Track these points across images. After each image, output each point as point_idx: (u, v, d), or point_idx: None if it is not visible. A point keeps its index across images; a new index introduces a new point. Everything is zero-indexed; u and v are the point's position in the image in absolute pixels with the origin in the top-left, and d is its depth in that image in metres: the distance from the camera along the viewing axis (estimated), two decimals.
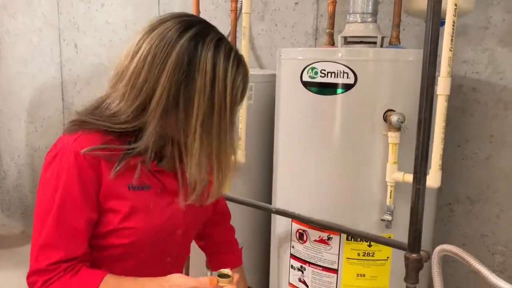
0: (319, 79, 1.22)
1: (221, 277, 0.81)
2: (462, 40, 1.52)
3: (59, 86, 2.95)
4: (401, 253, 1.23)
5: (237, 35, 1.79)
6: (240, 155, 1.51)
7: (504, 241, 1.55)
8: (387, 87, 1.20)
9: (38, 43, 2.97)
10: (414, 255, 0.97)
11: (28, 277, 0.83)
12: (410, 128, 1.14)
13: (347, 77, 1.18)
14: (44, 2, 2.86)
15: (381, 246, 1.27)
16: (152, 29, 0.82)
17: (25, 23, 3.01)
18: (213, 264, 1.21)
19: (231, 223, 1.23)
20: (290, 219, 1.37)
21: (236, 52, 0.85)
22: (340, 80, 1.20)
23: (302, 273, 1.36)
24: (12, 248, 2.97)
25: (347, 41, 1.34)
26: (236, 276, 0.84)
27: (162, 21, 0.83)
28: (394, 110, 1.18)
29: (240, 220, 1.69)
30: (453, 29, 1.02)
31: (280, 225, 1.46)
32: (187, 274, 1.56)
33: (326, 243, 1.30)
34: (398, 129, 1.15)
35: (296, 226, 1.37)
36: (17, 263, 2.56)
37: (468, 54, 1.53)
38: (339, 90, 1.20)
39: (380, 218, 1.24)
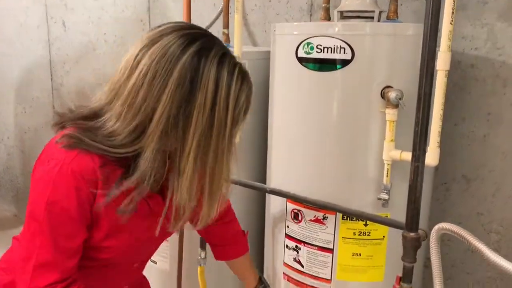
0: (315, 55, 1.18)
1: None
2: (461, 15, 1.49)
3: (47, 65, 2.88)
4: (398, 232, 1.22)
5: (229, 11, 1.73)
6: None
7: (499, 219, 1.54)
8: (385, 62, 1.16)
9: (25, 21, 2.89)
10: (412, 234, 0.95)
11: None
12: (408, 105, 1.11)
13: (344, 53, 1.14)
14: None
15: (377, 225, 1.25)
16: (152, 42, 0.76)
17: (11, 1, 2.91)
18: (218, 255, 1.21)
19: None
20: (285, 199, 1.35)
21: (241, 68, 0.80)
22: (336, 56, 1.16)
23: (297, 252, 1.34)
24: (5, 231, 2.95)
25: (344, 16, 1.30)
26: None
27: (163, 34, 0.77)
28: (392, 87, 1.14)
29: (233, 200, 1.67)
30: (454, 1, 0.99)
31: (274, 205, 1.44)
32: (180, 252, 1.54)
33: (322, 223, 1.28)
34: (396, 106, 1.12)
35: (291, 205, 1.34)
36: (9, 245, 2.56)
37: (467, 29, 1.50)
38: (336, 66, 1.16)
39: (376, 197, 1.22)
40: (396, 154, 1.14)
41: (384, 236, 1.26)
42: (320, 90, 1.22)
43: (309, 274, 1.33)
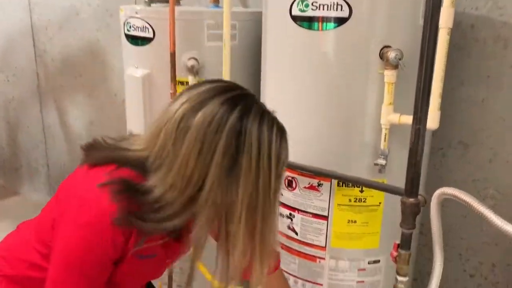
0: (310, 13, 1.11)
1: None
2: None
3: (29, 31, 2.76)
4: (394, 198, 1.18)
5: None
6: None
7: (495, 185, 1.52)
8: (384, 20, 1.10)
9: None
10: (411, 200, 0.92)
11: None
12: (407, 65, 1.06)
13: (341, 10, 1.07)
14: None
15: (373, 192, 1.22)
16: (195, 108, 0.77)
17: None
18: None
19: None
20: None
21: (278, 123, 0.83)
22: (333, 14, 1.09)
23: (291, 220, 1.31)
24: None
25: None
26: None
27: (205, 99, 0.78)
28: (390, 46, 1.09)
29: None
30: None
31: None
32: None
33: (316, 190, 1.25)
34: (395, 66, 1.06)
35: (285, 173, 1.30)
36: None
37: None
38: (332, 25, 1.10)
39: (372, 163, 1.18)
40: (395, 117, 1.09)
41: (380, 203, 1.23)
42: (315, 51, 1.15)
43: (304, 241, 1.30)
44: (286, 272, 1.36)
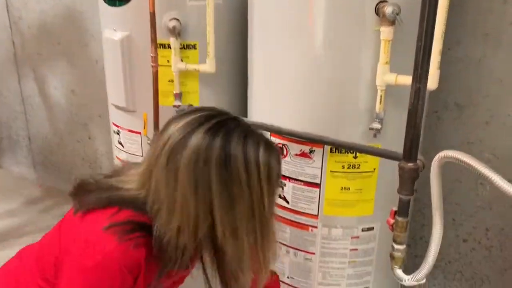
0: None
1: None
2: None
3: None
4: (389, 164, 1.13)
5: None
6: (209, 64, 1.33)
7: (491, 148, 1.48)
8: None
9: None
10: (410, 165, 0.86)
11: None
12: (404, 21, 0.99)
13: None
14: None
15: (367, 157, 1.16)
16: (181, 144, 0.78)
17: None
18: None
19: None
20: (268, 133, 1.24)
21: (265, 141, 0.83)
22: None
23: (282, 189, 1.26)
24: None
25: None
26: None
27: (189, 132, 0.79)
28: (387, 1, 1.01)
29: None
30: None
31: None
32: None
33: (308, 157, 1.19)
34: (392, 22, 0.99)
35: (275, 140, 1.24)
36: None
37: None
38: None
39: (366, 127, 1.12)
40: (391, 78, 1.03)
41: (374, 169, 1.18)
42: (305, 8, 1.07)
43: (295, 210, 1.25)
44: (278, 241, 1.31)
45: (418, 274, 0.90)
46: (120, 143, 1.59)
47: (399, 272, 0.95)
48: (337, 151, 1.16)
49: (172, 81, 1.38)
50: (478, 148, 1.50)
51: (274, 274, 1.21)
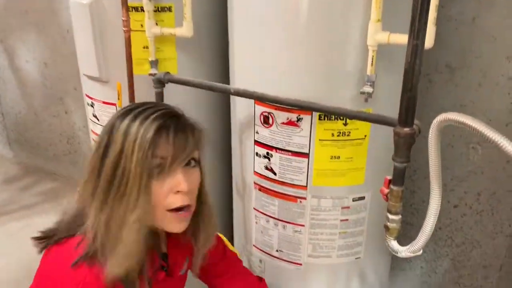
0: None
1: None
2: None
3: None
4: (380, 130, 1.07)
5: None
6: (186, 27, 1.23)
7: (484, 109, 1.43)
8: None
9: None
10: (406, 130, 0.80)
11: None
12: None
13: None
14: None
15: (358, 124, 1.10)
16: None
17: None
18: None
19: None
20: (252, 101, 1.17)
21: (157, 116, 0.77)
22: None
23: (269, 160, 1.19)
24: None
25: None
26: None
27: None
28: None
29: (193, 106, 1.47)
30: None
31: (241, 108, 1.25)
32: None
33: (296, 125, 1.12)
34: None
35: (259, 108, 1.16)
36: None
37: None
38: None
39: (356, 92, 1.05)
40: (384, 37, 0.95)
41: (365, 136, 1.12)
42: None
43: (283, 181, 1.19)
44: (266, 214, 1.26)
45: (415, 245, 0.85)
46: (95, 116, 1.49)
47: (394, 244, 0.90)
48: (326, 118, 1.09)
49: (147, 47, 1.28)
50: (470, 110, 1.45)
51: (261, 280, 1.19)
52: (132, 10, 1.24)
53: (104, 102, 1.43)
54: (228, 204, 1.54)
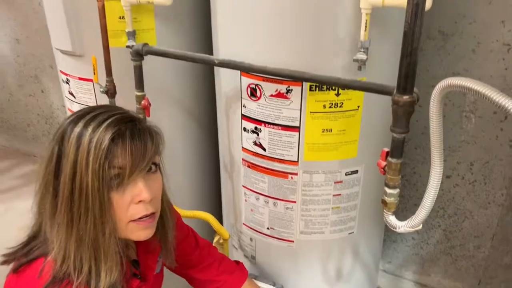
0: None
1: None
2: None
3: None
4: (373, 100, 1.02)
5: None
6: None
7: (477, 77, 1.37)
8: None
9: None
10: (406, 97, 0.74)
11: None
12: None
13: None
14: None
15: (350, 94, 1.04)
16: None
17: None
18: None
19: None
20: (238, 72, 1.10)
21: (111, 122, 0.71)
22: None
23: (258, 135, 1.13)
24: None
25: None
26: None
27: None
28: None
29: (175, 80, 1.40)
30: None
31: (226, 81, 1.18)
32: None
33: (285, 97, 1.05)
34: None
35: (246, 80, 1.09)
36: None
37: None
38: None
39: (348, 60, 0.98)
40: None
41: (358, 106, 1.06)
42: None
43: (273, 157, 1.14)
44: (255, 192, 1.21)
45: (414, 219, 0.81)
46: (71, 93, 1.40)
47: (392, 219, 0.85)
48: (317, 89, 1.02)
49: (123, 17, 1.19)
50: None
51: (238, 263, 1.15)
52: None
53: (79, 78, 1.34)
54: (216, 182, 1.49)
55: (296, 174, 1.13)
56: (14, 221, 1.52)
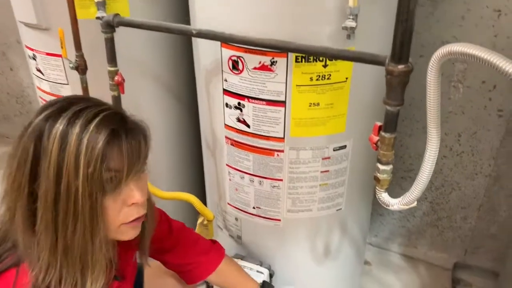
0: None
1: None
2: None
3: None
4: (362, 71, 0.97)
5: None
6: None
7: None
8: None
9: None
10: (401, 67, 0.69)
11: None
12: None
13: None
14: None
15: (338, 65, 0.98)
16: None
17: None
18: (187, 280, 1.08)
19: None
20: (219, 43, 1.02)
21: (102, 119, 0.64)
22: None
23: (241, 111, 1.07)
24: None
25: None
26: None
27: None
28: None
29: (150, 54, 1.31)
30: None
31: (205, 54, 1.11)
32: None
33: (269, 70, 0.99)
34: None
35: (227, 52, 1.02)
36: None
37: None
38: None
39: (336, 28, 0.92)
40: None
41: (347, 78, 1.01)
42: None
43: (258, 134, 1.08)
44: (240, 170, 1.16)
45: (408, 196, 0.77)
46: (39, 70, 1.31)
47: (385, 196, 0.81)
48: (303, 60, 0.96)
49: None
50: None
51: (214, 242, 1.12)
52: None
53: (47, 54, 1.24)
54: (198, 161, 1.43)
55: (282, 151, 1.08)
56: None
